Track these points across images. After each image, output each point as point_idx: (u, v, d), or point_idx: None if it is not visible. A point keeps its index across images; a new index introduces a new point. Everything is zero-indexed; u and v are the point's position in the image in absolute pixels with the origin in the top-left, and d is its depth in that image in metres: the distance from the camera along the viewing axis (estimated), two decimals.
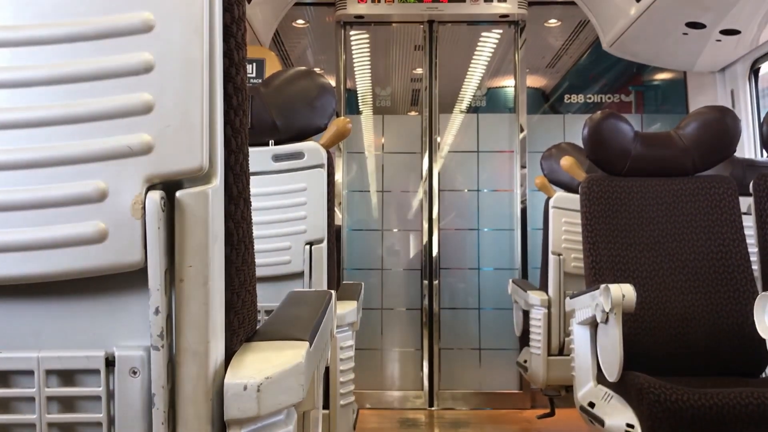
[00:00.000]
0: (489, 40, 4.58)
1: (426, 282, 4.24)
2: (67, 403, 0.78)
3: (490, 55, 4.62)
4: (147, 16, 0.74)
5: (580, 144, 2.51)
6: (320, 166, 1.99)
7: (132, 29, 0.74)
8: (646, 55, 4.00)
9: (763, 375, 2.18)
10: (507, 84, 4.66)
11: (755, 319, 1.70)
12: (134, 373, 0.76)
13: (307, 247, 1.97)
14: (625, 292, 1.83)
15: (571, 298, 2.21)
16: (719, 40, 3.48)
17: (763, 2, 3.00)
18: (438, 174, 4.31)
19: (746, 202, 2.34)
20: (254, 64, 3.70)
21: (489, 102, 4.64)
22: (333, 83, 4.36)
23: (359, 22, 4.44)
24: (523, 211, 4.27)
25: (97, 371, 0.77)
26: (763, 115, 2.25)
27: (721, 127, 2.32)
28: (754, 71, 3.77)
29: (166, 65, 0.74)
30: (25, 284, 0.76)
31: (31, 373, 0.77)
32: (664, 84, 4.75)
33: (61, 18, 0.74)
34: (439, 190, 4.30)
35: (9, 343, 0.78)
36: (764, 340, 1.69)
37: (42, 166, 0.74)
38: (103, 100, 0.74)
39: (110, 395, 0.77)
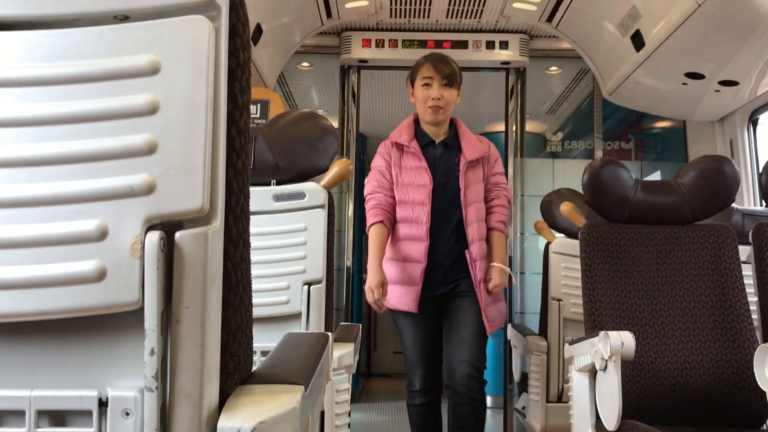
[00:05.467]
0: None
1: None
2: None
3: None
4: (154, 58, 0.75)
5: (580, 190, 2.52)
6: (321, 206, 2.00)
7: (138, 71, 0.75)
8: (646, 103, 4.04)
9: (764, 427, 2.15)
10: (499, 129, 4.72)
11: (755, 371, 1.68)
12: (127, 414, 0.75)
13: (306, 287, 1.96)
14: (624, 339, 1.81)
15: (570, 344, 2.19)
16: (718, 91, 3.52)
17: (760, 55, 3.05)
18: None
19: (745, 251, 2.34)
20: (258, 105, 3.74)
21: None
22: (336, 125, 4.40)
23: (363, 66, 4.50)
24: None
25: (89, 412, 0.76)
26: (762, 165, 2.26)
27: (720, 176, 2.33)
28: (753, 121, 3.81)
29: (171, 107, 0.75)
30: (20, 322, 0.76)
31: (22, 413, 0.76)
32: (663, 132, 4.79)
33: (69, 59, 0.75)
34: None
35: (1, 382, 0.77)
36: (765, 392, 1.67)
37: (43, 204, 0.74)
38: (107, 139, 0.75)
39: None
